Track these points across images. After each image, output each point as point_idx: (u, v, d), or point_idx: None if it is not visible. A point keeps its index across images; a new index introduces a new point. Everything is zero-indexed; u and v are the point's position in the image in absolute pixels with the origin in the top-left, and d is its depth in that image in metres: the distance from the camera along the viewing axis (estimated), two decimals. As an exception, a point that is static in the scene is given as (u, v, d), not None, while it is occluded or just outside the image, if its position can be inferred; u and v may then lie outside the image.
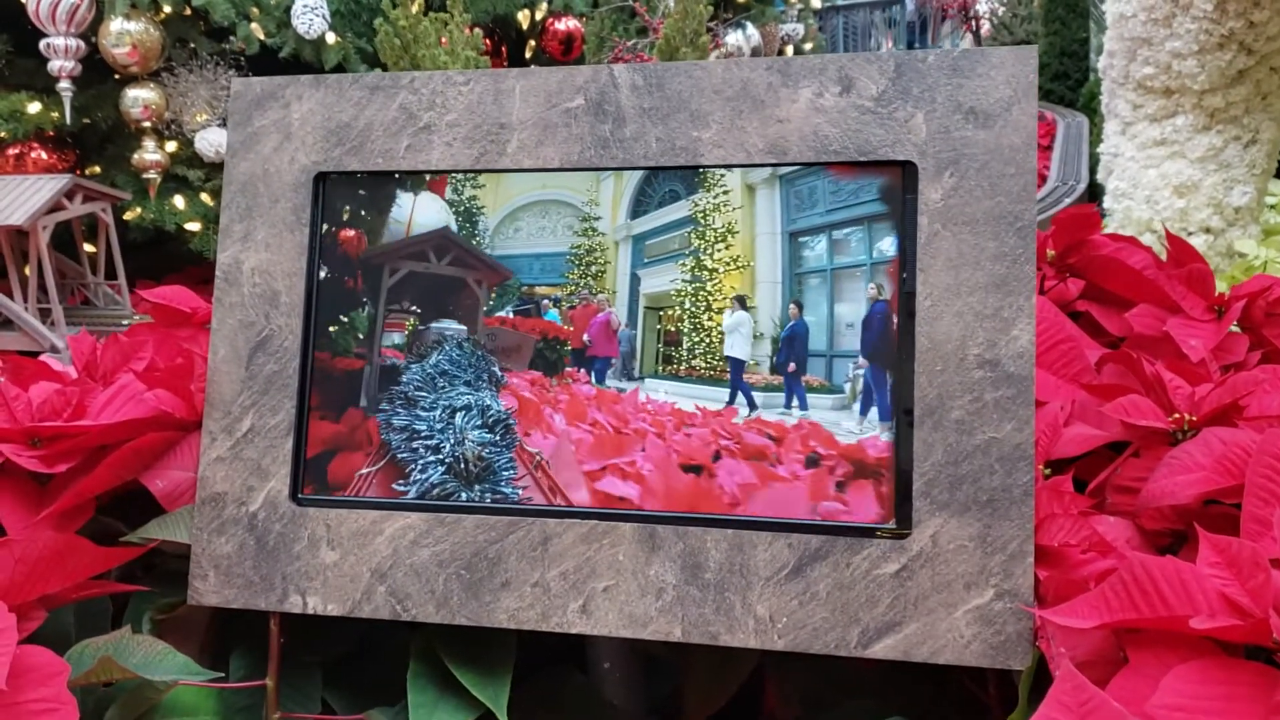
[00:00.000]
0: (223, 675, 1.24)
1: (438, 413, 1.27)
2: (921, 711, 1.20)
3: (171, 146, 4.38)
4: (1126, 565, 0.96)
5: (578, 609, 1.18)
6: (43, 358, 2.78)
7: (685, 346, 1.24)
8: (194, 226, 4.35)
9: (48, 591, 1.15)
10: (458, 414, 1.26)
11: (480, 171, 1.28)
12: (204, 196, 4.40)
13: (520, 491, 1.23)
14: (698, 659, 1.38)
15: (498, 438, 1.25)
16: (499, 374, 1.27)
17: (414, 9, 2.30)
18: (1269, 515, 1.02)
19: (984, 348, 1.13)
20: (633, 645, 1.40)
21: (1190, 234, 4.24)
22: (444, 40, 2.45)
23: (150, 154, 4.25)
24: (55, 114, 4.27)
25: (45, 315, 3.85)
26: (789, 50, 6.22)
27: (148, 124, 4.25)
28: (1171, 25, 4.08)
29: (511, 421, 1.25)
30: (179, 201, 4.36)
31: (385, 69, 2.70)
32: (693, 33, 2.72)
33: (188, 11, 4.19)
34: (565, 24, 4.30)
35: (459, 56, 2.38)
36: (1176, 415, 1.25)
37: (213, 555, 1.27)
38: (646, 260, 1.27)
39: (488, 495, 1.24)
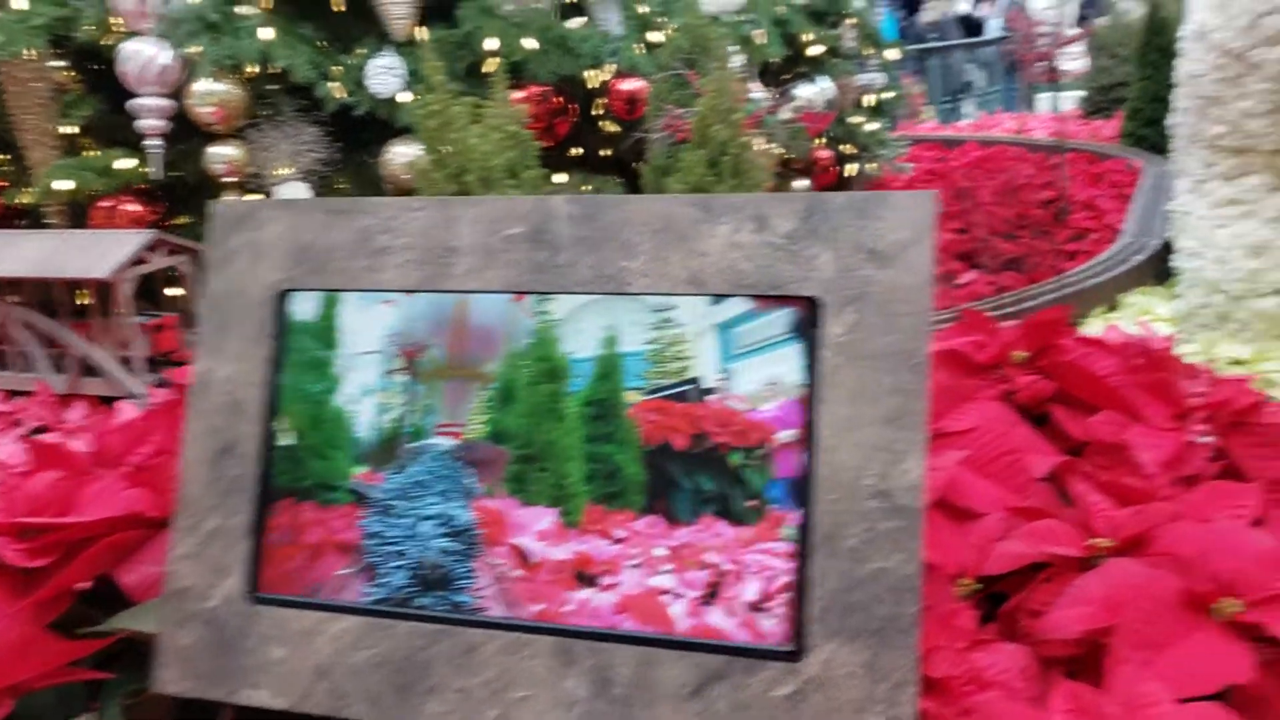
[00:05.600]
0: (178, 761, 1.34)
1: (407, 520, 1.34)
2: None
3: (253, 199, 4.59)
4: (982, 707, 1.00)
5: (496, 717, 1.25)
6: (120, 404, 2.95)
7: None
8: (273, 276, 4.51)
9: (14, 681, 1.25)
10: (423, 523, 1.34)
11: (429, 292, 1.36)
12: (283, 248, 4.60)
13: (476, 601, 1.30)
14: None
15: (461, 547, 1.32)
16: (471, 486, 1.34)
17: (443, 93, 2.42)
18: (1135, 658, 1.05)
19: (878, 479, 1.17)
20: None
21: (1262, 295, 4.18)
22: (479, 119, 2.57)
23: (232, 208, 4.45)
24: (145, 169, 4.49)
25: (126, 363, 4.04)
26: (867, 99, 6.25)
27: (230, 180, 4.46)
28: (1241, 85, 4.04)
29: (477, 532, 1.32)
30: (259, 253, 4.55)
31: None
32: (727, 109, 2.79)
33: (270, 70, 4.37)
34: (629, 85, 4.40)
35: (489, 139, 2.48)
36: (1092, 541, 1.28)
37: (176, 646, 1.37)
38: (737, 352, 1.28)
39: (443, 603, 1.31)
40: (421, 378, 1.37)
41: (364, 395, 1.38)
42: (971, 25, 13.44)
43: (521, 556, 1.29)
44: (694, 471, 1.26)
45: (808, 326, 1.23)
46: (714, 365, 1.27)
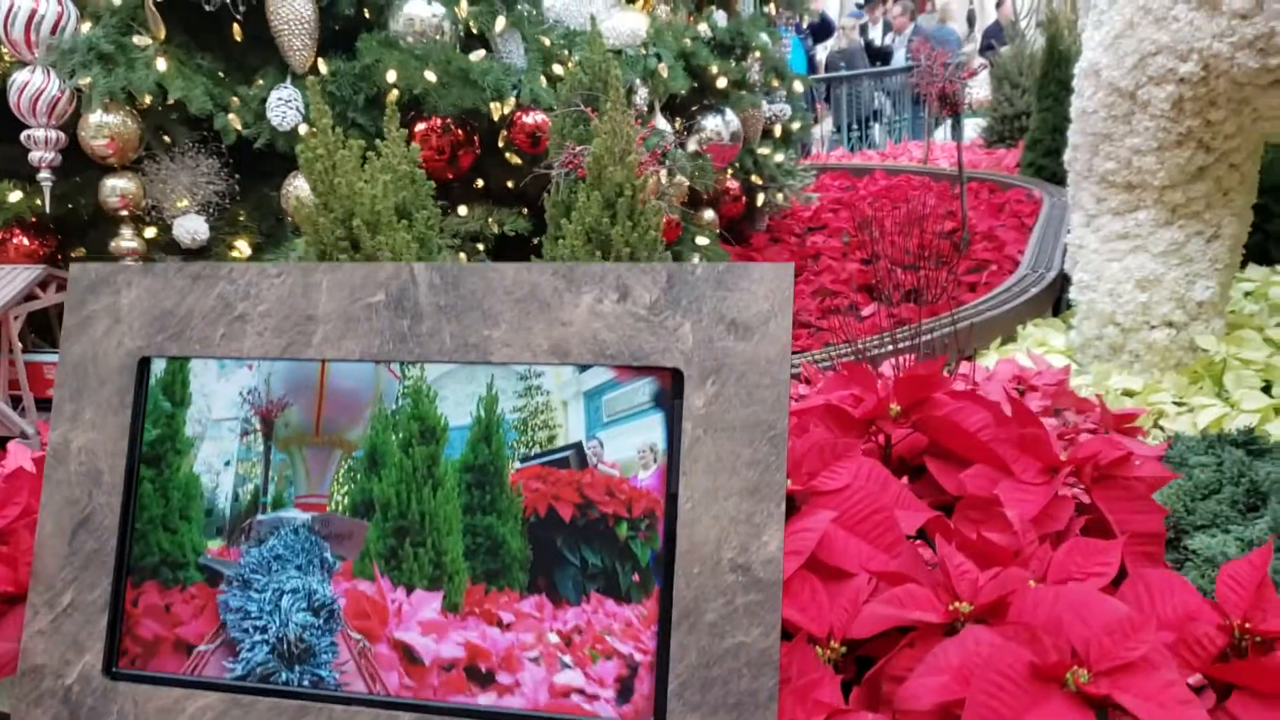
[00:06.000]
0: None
1: (268, 595, 1.32)
2: None
3: (151, 232, 4.50)
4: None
5: (355, 795, 1.23)
6: (11, 444, 2.87)
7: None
8: (170, 311, 4.42)
9: None
10: (285, 597, 1.31)
11: (287, 360, 1.34)
12: (181, 281, 4.53)
13: (338, 675, 1.28)
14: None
15: (321, 622, 1.30)
16: (331, 559, 1.31)
17: (331, 136, 2.39)
18: (985, 733, 1.06)
19: (737, 552, 1.17)
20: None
21: (1153, 328, 4.27)
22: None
23: (127, 242, 4.36)
24: (37, 201, 4.39)
25: (17, 402, 3.94)
26: (776, 129, 6.30)
27: (125, 213, 4.36)
28: (1131, 122, 4.13)
29: (337, 606, 1.30)
30: (155, 287, 4.46)
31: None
32: (621, 151, 2.79)
33: (168, 102, 4.29)
34: (533, 118, 4.39)
35: (376, 181, 2.46)
36: (954, 606, 1.29)
37: (27, 727, 1.33)
38: (606, 420, 1.28)
39: (306, 678, 1.28)
40: (280, 444, 1.35)
41: (221, 464, 1.35)
42: (879, 53, 13.65)
43: (406, 654, 1.26)
44: (579, 545, 1.24)
45: (669, 397, 1.22)
46: (584, 433, 1.26)
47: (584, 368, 1.26)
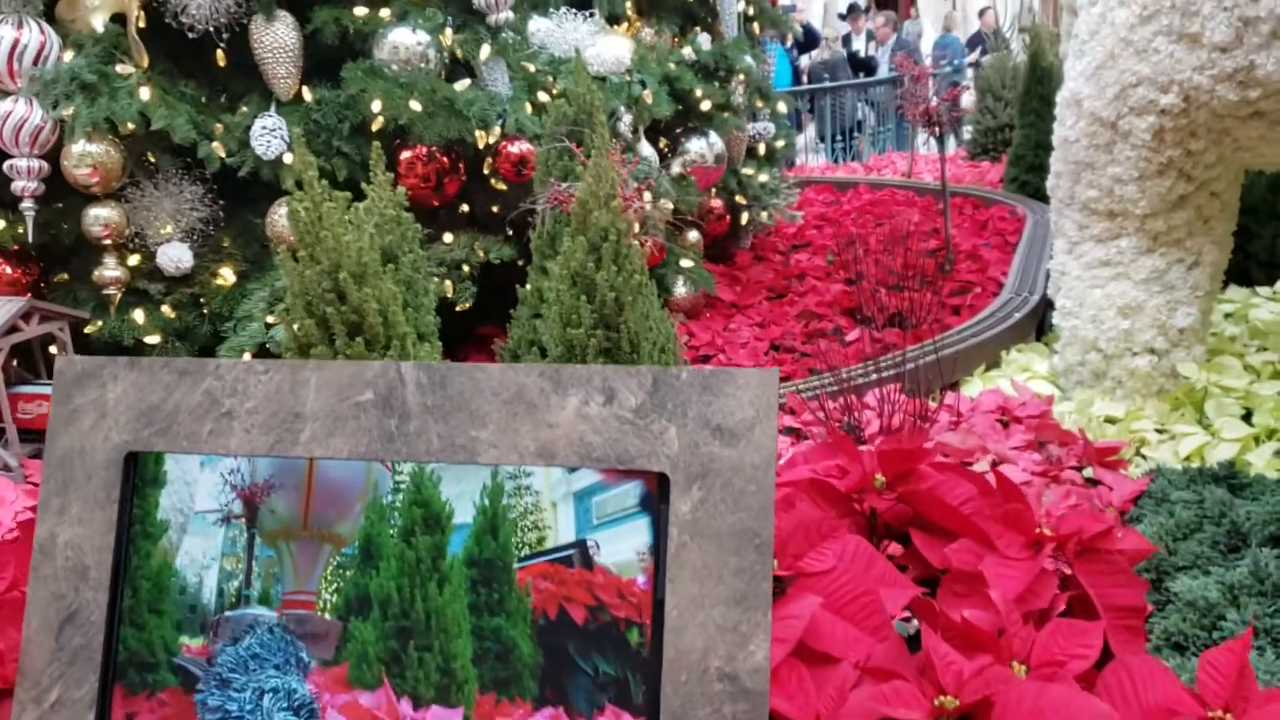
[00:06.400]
0: None
1: (248, 694, 1.32)
2: None
3: (134, 260, 4.49)
4: None
5: None
6: (-6, 477, 2.86)
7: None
8: (153, 340, 4.43)
9: None
10: (265, 696, 1.31)
11: (274, 458, 1.34)
12: (164, 309, 4.51)
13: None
14: None
15: None
16: (306, 659, 1.31)
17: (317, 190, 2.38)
18: None
19: (724, 661, 1.18)
20: None
21: (1135, 354, 4.30)
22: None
23: (110, 271, 4.35)
24: (20, 230, 4.37)
25: (0, 435, 3.94)
26: (760, 148, 6.31)
27: (108, 241, 4.35)
28: (1112, 151, 4.15)
29: (315, 706, 1.30)
30: (139, 315, 4.44)
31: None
32: (606, 195, 2.80)
33: (151, 129, 4.27)
34: (518, 147, 4.40)
35: (363, 232, 2.46)
36: (939, 702, 1.30)
37: (15, 826, 1.33)
38: (598, 522, 1.27)
39: None
40: (266, 537, 1.35)
41: (206, 559, 1.35)
42: (862, 64, 13.65)
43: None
44: (591, 651, 1.21)
45: (656, 501, 1.23)
46: (574, 534, 1.25)
47: (572, 469, 1.27)
